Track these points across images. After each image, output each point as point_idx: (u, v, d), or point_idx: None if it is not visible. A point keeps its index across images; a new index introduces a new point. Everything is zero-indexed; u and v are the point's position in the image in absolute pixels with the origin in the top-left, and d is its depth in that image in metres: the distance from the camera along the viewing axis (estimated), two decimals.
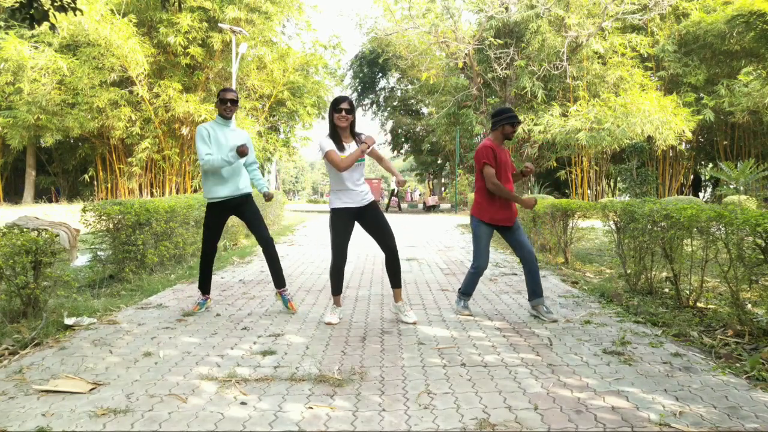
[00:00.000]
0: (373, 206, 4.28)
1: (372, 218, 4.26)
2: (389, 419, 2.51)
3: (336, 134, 4.15)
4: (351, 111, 4.12)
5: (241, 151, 4.30)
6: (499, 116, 4.43)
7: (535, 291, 4.44)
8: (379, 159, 4.33)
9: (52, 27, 5.90)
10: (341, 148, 4.11)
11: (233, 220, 9.51)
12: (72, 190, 26.32)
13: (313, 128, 25.93)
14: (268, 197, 4.68)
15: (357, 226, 4.32)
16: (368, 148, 4.07)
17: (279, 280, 4.69)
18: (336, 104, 4.12)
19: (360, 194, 4.21)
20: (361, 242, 9.73)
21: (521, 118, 19.81)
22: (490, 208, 4.43)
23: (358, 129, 4.31)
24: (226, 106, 4.49)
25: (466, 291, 4.66)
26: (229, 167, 4.43)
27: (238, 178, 4.52)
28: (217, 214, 4.56)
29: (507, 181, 4.46)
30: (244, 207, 4.61)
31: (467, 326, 4.20)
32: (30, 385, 2.87)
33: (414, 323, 4.24)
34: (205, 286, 4.73)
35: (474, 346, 3.68)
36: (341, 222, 4.21)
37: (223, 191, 4.46)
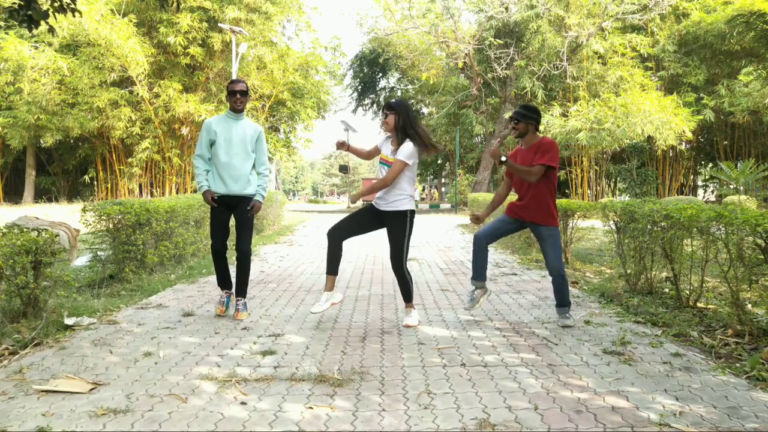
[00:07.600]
0: (391, 215, 4.16)
1: (387, 227, 4.26)
2: (389, 419, 2.52)
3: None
4: (388, 114, 4.11)
5: (255, 207, 4.49)
6: None
7: (558, 301, 4.26)
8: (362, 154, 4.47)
9: (51, 29, 5.87)
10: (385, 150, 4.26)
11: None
12: (72, 191, 26.31)
13: (314, 131, 26.03)
14: (253, 207, 4.49)
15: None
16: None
17: (240, 288, 4.55)
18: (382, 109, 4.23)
19: (383, 198, 4.18)
20: (362, 242, 9.74)
21: None
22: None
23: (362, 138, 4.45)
24: (236, 98, 4.40)
25: (473, 275, 4.37)
26: (228, 169, 4.39)
27: (234, 180, 4.42)
28: (214, 207, 4.51)
29: (520, 182, 4.29)
30: (238, 209, 4.50)
31: (467, 326, 4.20)
32: (30, 385, 2.87)
33: (408, 326, 4.15)
34: (224, 282, 4.67)
35: (474, 346, 3.68)
36: (362, 210, 4.40)
37: (217, 187, 4.44)
